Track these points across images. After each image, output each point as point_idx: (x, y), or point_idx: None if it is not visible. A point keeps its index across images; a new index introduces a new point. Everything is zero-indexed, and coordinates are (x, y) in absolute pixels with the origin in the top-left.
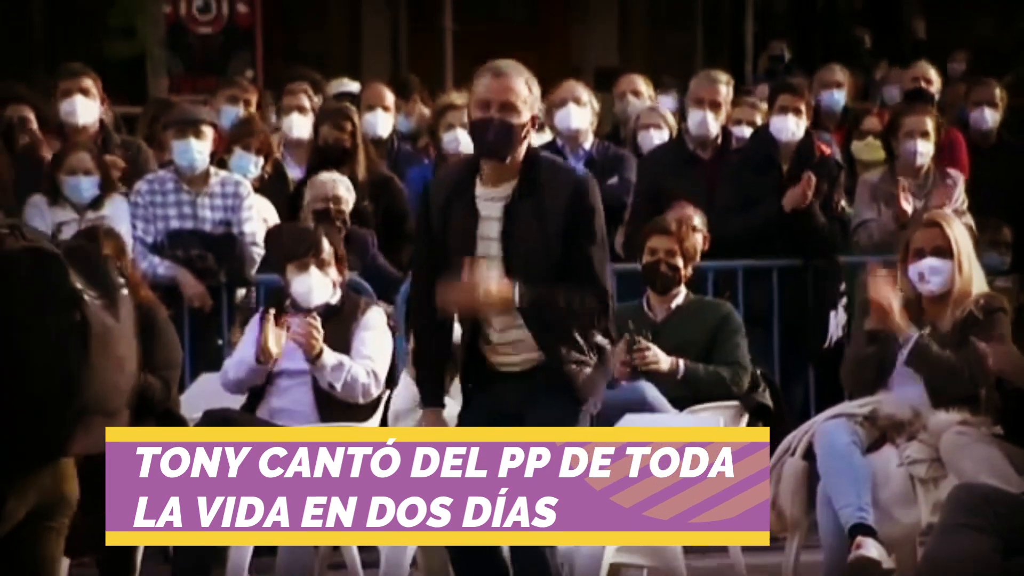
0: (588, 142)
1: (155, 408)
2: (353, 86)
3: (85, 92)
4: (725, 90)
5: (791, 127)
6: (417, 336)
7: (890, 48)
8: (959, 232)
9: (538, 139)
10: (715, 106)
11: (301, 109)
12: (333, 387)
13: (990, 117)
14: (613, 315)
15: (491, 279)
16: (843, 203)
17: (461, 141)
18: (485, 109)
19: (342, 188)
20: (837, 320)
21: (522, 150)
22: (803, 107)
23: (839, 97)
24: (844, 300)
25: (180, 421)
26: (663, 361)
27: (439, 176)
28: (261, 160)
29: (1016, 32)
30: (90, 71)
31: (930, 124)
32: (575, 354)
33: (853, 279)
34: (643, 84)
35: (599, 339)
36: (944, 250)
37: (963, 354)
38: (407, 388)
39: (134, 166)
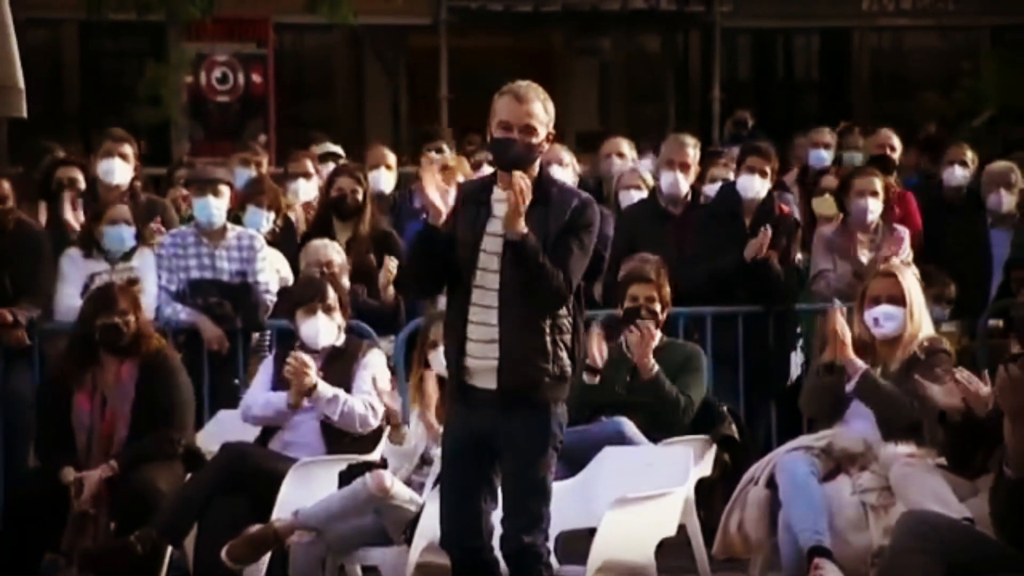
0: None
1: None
2: (336, 148)
3: (124, 156)
4: (693, 152)
5: (756, 186)
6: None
7: (842, 115)
8: (911, 282)
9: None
10: (684, 167)
11: (306, 175)
12: (330, 417)
13: (960, 175)
14: (581, 325)
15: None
16: (799, 256)
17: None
18: (507, 130)
19: (332, 252)
20: (796, 360)
21: (537, 164)
22: (768, 169)
23: (826, 156)
24: (801, 342)
25: (199, 455)
26: (651, 347)
27: (465, 183)
28: (272, 215)
29: (956, 101)
30: (131, 137)
31: (879, 184)
32: (542, 365)
33: (810, 324)
34: (626, 146)
35: (564, 359)
36: (897, 298)
37: (908, 389)
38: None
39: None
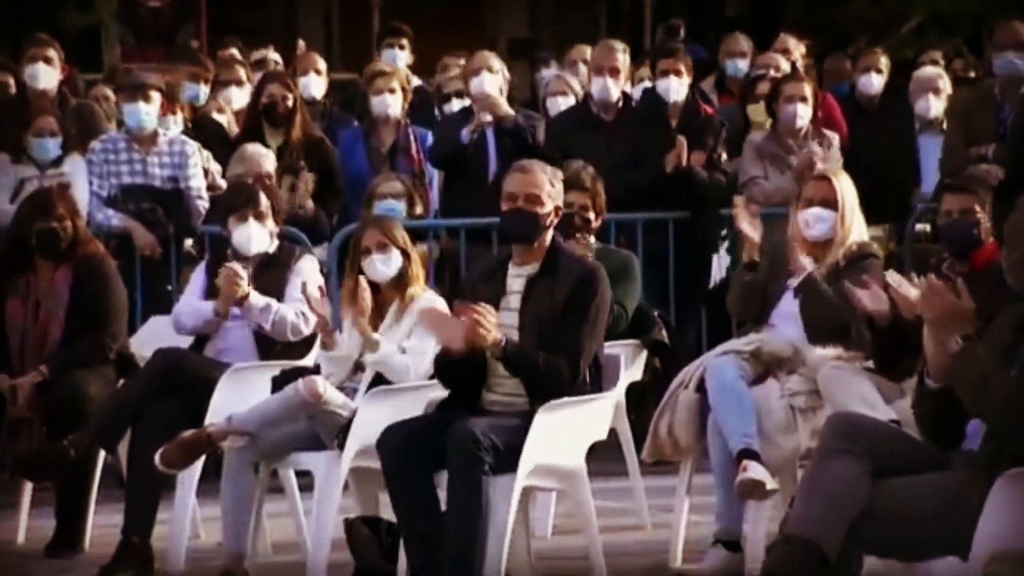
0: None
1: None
2: (272, 54)
3: (48, 60)
4: (623, 57)
5: (674, 87)
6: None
7: (774, 22)
8: (845, 186)
9: (458, 104)
10: (614, 72)
11: (238, 82)
12: (263, 327)
13: (876, 82)
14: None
15: (493, 325)
16: (724, 157)
17: (390, 105)
18: (513, 201)
19: (266, 161)
20: (720, 263)
21: (548, 236)
22: (682, 68)
23: (742, 65)
24: (727, 244)
25: (132, 360)
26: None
27: (478, 262)
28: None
29: (886, 7)
30: (54, 42)
31: (807, 90)
32: None
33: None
34: (495, 61)
35: None
36: (830, 201)
37: (838, 292)
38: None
39: (88, 127)
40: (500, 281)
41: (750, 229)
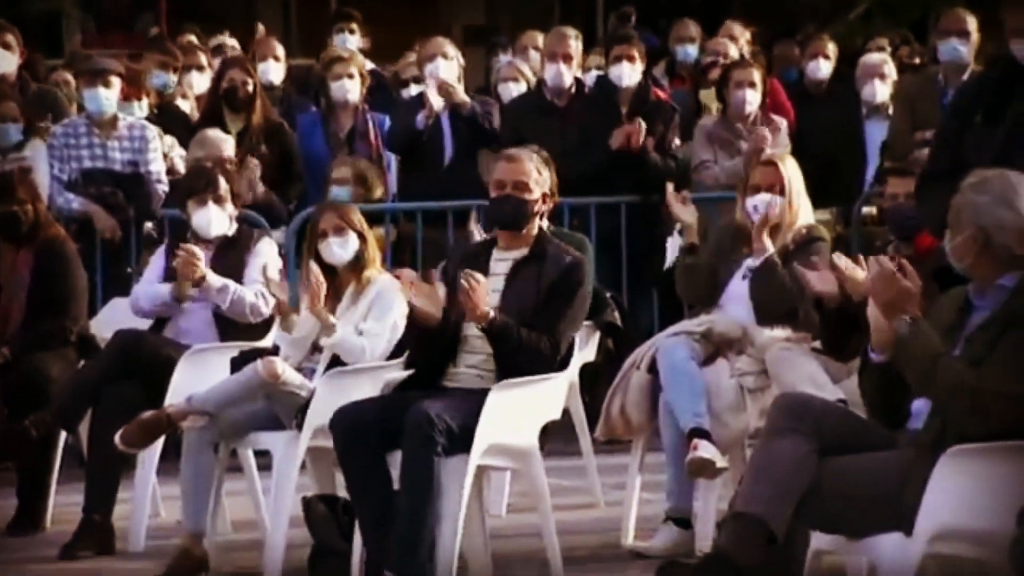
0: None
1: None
2: (229, 40)
3: (6, 45)
4: (575, 44)
5: (627, 73)
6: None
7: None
8: (792, 171)
9: (415, 89)
10: (567, 58)
11: (199, 67)
12: (221, 308)
13: (823, 68)
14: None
15: (483, 295)
16: (677, 142)
17: (348, 90)
18: (502, 188)
19: (225, 145)
20: (674, 246)
21: (535, 224)
22: (635, 53)
23: (692, 51)
24: (679, 227)
25: (93, 342)
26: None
27: (468, 246)
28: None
29: None
30: (13, 27)
31: (757, 76)
32: None
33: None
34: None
35: None
36: (778, 187)
37: (788, 275)
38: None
39: (50, 112)
40: (483, 264)
41: (684, 214)
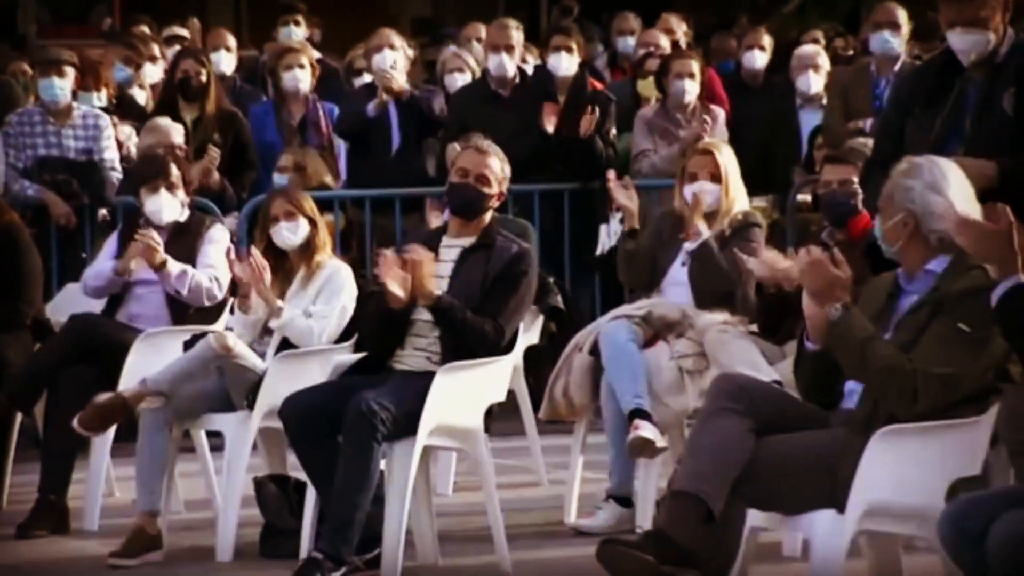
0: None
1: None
2: (182, 31)
3: None
4: (516, 35)
5: (565, 64)
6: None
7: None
8: (728, 159)
9: (367, 78)
10: (509, 49)
11: (152, 58)
12: (179, 292)
13: (759, 59)
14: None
15: (429, 273)
16: (614, 131)
17: (300, 80)
18: (464, 176)
19: (175, 133)
20: (609, 231)
21: (487, 217)
22: (574, 45)
23: (632, 43)
24: (621, 216)
25: (48, 326)
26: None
27: (419, 233)
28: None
29: None
30: None
31: (695, 67)
32: None
33: None
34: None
35: None
36: (715, 175)
37: (725, 260)
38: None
39: (5, 101)
40: (434, 251)
41: (626, 201)
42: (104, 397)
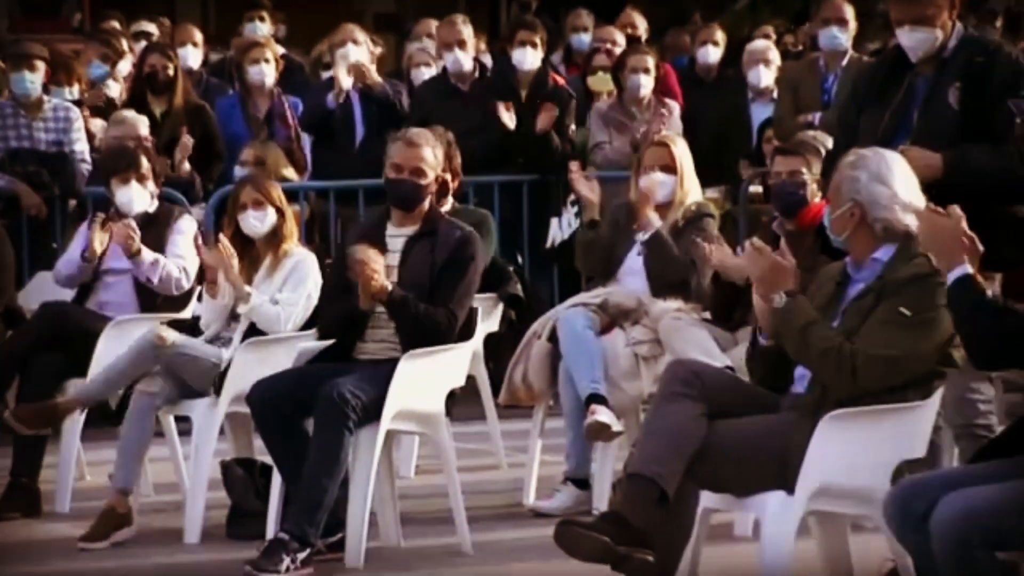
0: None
1: None
2: (150, 27)
3: None
4: (466, 29)
5: (528, 59)
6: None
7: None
8: (683, 151)
9: (326, 74)
10: (462, 44)
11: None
12: (151, 281)
13: (712, 54)
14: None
15: (381, 270)
16: (573, 126)
17: (266, 74)
18: (399, 171)
19: (140, 126)
20: (562, 222)
21: (426, 204)
22: (537, 40)
23: (586, 38)
24: (577, 208)
25: (20, 313)
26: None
27: (355, 223)
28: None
29: None
30: None
31: (650, 62)
32: None
33: None
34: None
35: None
36: (669, 166)
37: (680, 248)
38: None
39: None
40: (380, 240)
41: (588, 192)
42: (42, 403)
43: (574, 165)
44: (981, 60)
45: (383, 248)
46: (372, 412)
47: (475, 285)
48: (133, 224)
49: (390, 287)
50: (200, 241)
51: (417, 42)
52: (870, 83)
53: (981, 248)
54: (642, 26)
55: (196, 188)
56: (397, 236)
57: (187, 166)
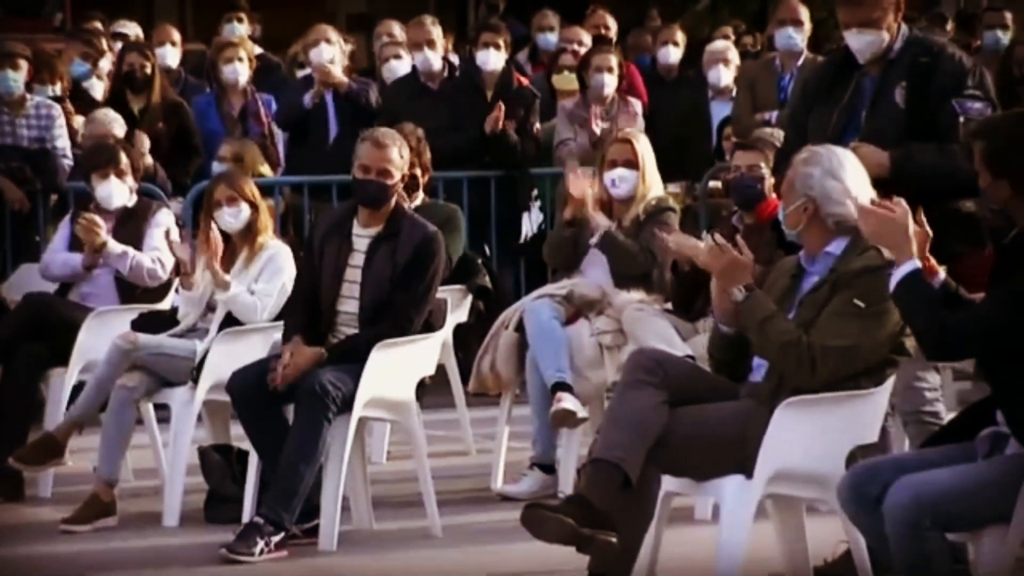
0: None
1: None
2: (130, 26)
3: None
4: (434, 29)
5: (492, 60)
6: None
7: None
8: (645, 147)
9: (301, 73)
10: (431, 44)
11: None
12: (121, 272)
13: (673, 54)
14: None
15: (308, 357)
16: (537, 125)
17: (240, 73)
18: (367, 172)
19: (115, 124)
20: (531, 219)
21: (392, 203)
22: (501, 42)
23: (552, 38)
24: (540, 203)
25: (3, 304)
26: None
27: (324, 215)
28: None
29: None
30: None
31: (614, 62)
32: None
33: (552, 186)
34: (398, 28)
35: None
36: (632, 162)
37: (641, 241)
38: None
39: None
40: (347, 238)
41: (576, 191)
42: (39, 436)
43: (571, 162)
44: (926, 60)
45: (348, 245)
46: (348, 402)
47: (435, 287)
48: (95, 218)
49: (325, 352)
50: (172, 235)
51: (378, 41)
52: (819, 82)
53: (930, 232)
54: (613, 27)
55: (161, 181)
56: (362, 236)
57: (149, 159)
